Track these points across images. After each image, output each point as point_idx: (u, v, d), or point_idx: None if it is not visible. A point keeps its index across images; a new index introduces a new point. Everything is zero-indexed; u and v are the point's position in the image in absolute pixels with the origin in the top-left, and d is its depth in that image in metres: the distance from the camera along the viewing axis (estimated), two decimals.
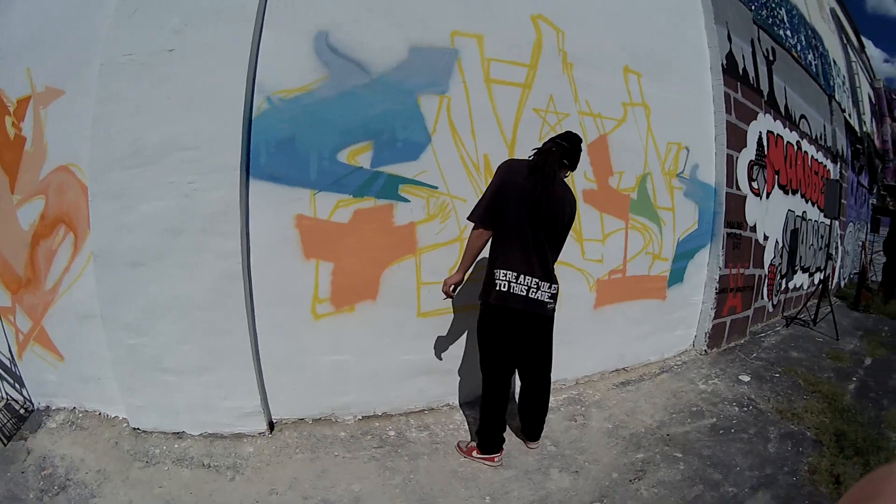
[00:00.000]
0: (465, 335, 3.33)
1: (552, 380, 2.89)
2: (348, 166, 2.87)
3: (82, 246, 2.84)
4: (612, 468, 2.89)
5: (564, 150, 2.65)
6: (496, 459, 2.76)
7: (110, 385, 2.82)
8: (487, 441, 2.75)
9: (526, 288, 2.53)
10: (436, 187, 3.10)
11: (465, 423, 3.18)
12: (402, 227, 3.04)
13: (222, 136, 2.59)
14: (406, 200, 3.03)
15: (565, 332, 2.92)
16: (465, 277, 2.69)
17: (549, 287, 2.58)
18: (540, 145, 2.73)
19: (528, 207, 2.49)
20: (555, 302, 2.63)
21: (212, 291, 2.64)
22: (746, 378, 4.63)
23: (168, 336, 2.67)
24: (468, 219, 2.62)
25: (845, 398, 4.41)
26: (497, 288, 2.53)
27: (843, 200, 8.43)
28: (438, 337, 3.26)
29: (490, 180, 3.18)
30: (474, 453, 2.78)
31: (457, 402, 3.39)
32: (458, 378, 3.37)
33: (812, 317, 7.19)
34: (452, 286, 2.67)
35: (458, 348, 3.33)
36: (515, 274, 2.52)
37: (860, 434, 3.57)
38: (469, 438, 3.00)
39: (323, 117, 2.80)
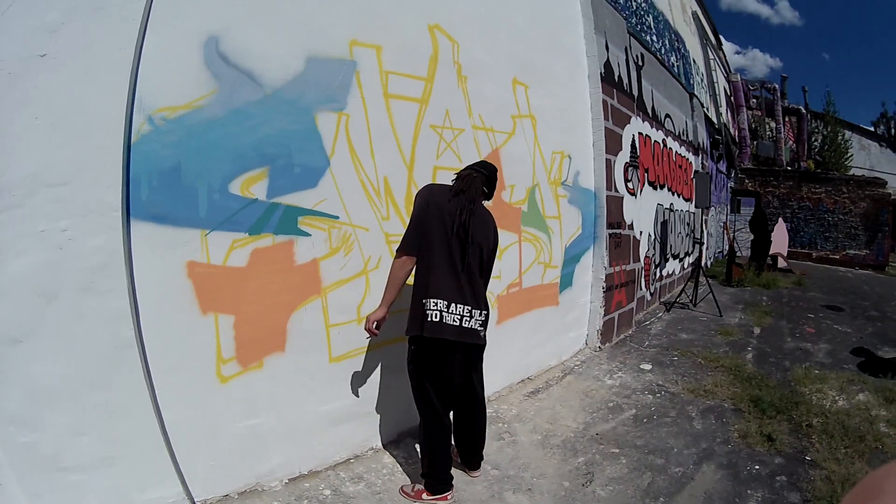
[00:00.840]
0: (379, 373, 3.30)
1: None
2: (242, 198, 2.61)
3: None
4: (560, 478, 3.03)
5: (484, 177, 2.77)
6: (449, 497, 2.74)
7: (15, 492, 2.27)
8: (438, 480, 2.72)
9: (459, 317, 2.52)
10: (337, 217, 3.00)
11: (398, 465, 3.14)
12: (304, 265, 2.87)
13: (98, 167, 2.20)
14: (307, 234, 2.87)
15: None
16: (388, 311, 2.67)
17: (480, 314, 2.62)
18: (454, 172, 2.86)
19: (454, 231, 2.54)
20: (485, 328, 2.70)
21: (103, 366, 2.27)
22: (648, 366, 5.11)
23: (62, 427, 2.23)
24: (398, 250, 2.60)
25: (748, 367, 5.06)
26: (428, 319, 2.50)
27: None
28: (353, 379, 3.17)
29: (397, 205, 3.25)
30: (424, 496, 2.73)
31: (380, 444, 3.34)
32: (378, 418, 3.33)
33: (691, 298, 8.05)
34: (375, 322, 2.63)
35: (373, 388, 3.29)
36: (446, 302, 2.51)
37: (775, 395, 4.16)
38: (408, 480, 2.97)
39: (212, 140, 2.50)
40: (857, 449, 3.36)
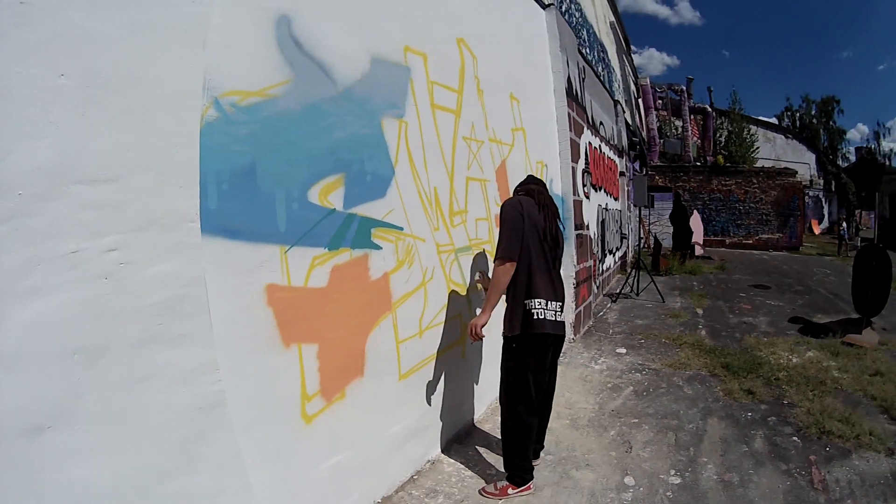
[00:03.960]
0: (441, 383, 3.10)
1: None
2: (321, 209, 2.20)
3: None
4: (606, 450, 3.20)
5: (546, 190, 2.88)
6: (531, 486, 2.72)
7: None
8: (525, 471, 2.70)
9: (553, 312, 2.60)
10: (402, 228, 2.73)
11: (463, 470, 2.97)
12: (377, 280, 2.56)
13: (163, 159, 1.58)
14: (378, 248, 2.56)
15: (494, 353, 2.95)
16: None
17: (563, 308, 2.69)
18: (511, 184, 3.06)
19: (544, 238, 2.64)
20: None
21: (177, 444, 1.62)
22: (623, 350, 5.38)
23: None
24: (502, 257, 2.55)
25: (706, 342, 5.53)
26: (534, 317, 2.54)
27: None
28: (418, 394, 2.94)
29: (443, 215, 3.18)
30: (510, 490, 2.66)
31: (435, 455, 3.10)
32: (436, 429, 3.10)
33: (633, 289, 8.40)
34: (481, 327, 2.61)
35: (437, 398, 3.07)
36: (545, 301, 2.57)
37: (740, 360, 4.71)
38: (480, 482, 2.83)
39: (289, 138, 2.04)
40: (822, 390, 3.97)
